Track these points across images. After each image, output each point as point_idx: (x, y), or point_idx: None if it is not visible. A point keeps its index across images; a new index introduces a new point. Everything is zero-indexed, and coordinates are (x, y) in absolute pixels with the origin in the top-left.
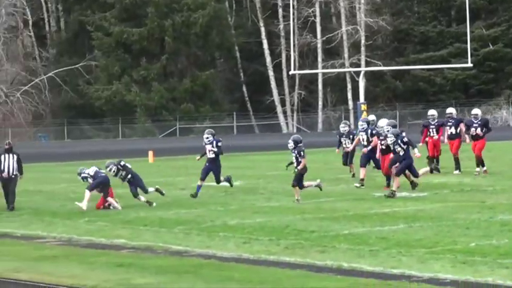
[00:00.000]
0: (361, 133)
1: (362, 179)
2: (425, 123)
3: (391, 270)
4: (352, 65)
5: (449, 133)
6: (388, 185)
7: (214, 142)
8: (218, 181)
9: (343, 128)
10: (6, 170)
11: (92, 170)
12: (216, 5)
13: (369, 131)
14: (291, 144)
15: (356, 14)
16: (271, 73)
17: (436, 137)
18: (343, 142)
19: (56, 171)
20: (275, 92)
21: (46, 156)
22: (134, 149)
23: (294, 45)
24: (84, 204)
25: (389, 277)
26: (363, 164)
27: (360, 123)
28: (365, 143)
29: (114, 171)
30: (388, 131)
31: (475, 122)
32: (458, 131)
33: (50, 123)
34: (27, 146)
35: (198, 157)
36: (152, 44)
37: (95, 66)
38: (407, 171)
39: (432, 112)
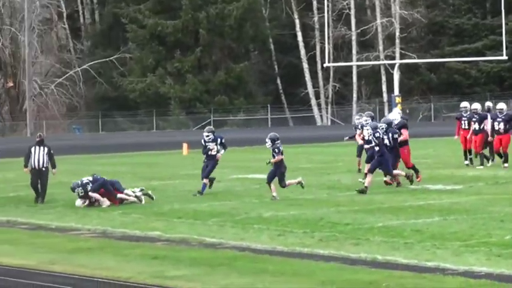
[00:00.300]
0: (365, 128)
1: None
2: (458, 116)
3: (426, 263)
4: (386, 57)
5: (473, 128)
6: (418, 175)
7: (219, 139)
8: (207, 177)
9: (357, 119)
10: (36, 162)
11: (89, 177)
12: None
13: None
14: (268, 143)
15: (391, 6)
16: (305, 65)
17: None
18: (357, 133)
19: (90, 164)
20: (309, 84)
21: (80, 148)
22: (168, 141)
23: (328, 38)
24: (104, 203)
25: (424, 270)
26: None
27: (364, 118)
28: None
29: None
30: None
31: (500, 116)
32: (482, 126)
33: (84, 116)
34: (61, 138)
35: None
36: (186, 36)
37: (129, 59)
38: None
39: (464, 104)
